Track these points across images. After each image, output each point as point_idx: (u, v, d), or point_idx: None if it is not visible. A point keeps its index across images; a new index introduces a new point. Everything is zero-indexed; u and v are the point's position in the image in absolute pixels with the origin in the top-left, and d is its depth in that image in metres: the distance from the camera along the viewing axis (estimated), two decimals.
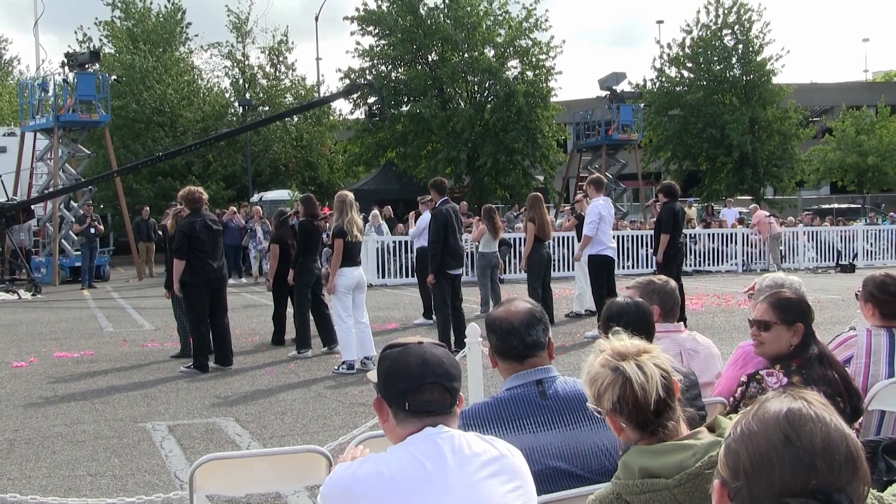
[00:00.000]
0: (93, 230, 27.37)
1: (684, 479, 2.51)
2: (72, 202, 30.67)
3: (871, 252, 31.68)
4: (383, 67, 43.26)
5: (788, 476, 1.73)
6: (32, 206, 28.18)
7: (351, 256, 12.23)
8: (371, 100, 39.33)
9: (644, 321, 4.37)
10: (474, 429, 3.60)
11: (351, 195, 12.62)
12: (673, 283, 5.41)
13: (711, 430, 2.70)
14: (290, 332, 14.30)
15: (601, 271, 15.02)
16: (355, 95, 40.36)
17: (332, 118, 46.85)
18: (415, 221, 18.85)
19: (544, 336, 3.78)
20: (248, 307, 20.06)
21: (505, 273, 25.16)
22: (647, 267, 25.55)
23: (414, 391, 2.87)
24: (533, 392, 3.70)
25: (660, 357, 2.73)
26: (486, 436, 2.95)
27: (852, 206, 47.35)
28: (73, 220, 29.19)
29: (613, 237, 16.15)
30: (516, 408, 3.68)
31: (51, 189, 29.72)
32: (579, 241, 16.77)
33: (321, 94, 47.71)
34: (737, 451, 1.80)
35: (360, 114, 43.64)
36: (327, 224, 14.25)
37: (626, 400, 2.65)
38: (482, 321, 11.86)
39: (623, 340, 2.77)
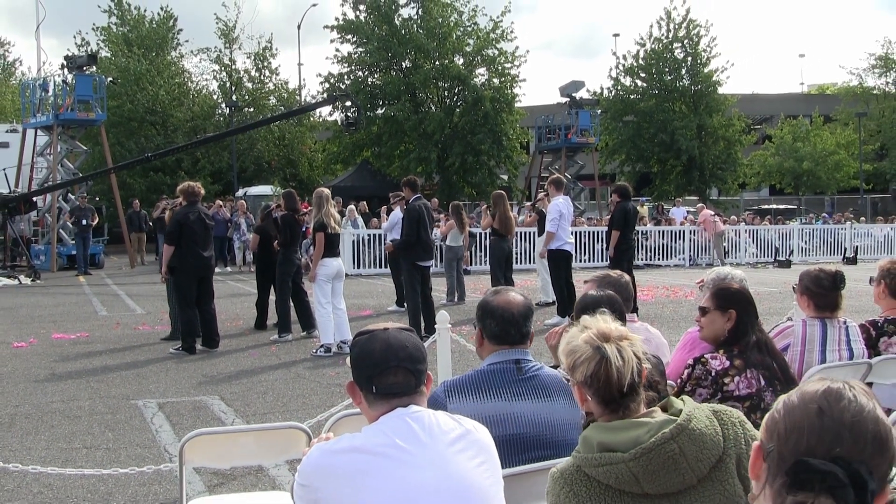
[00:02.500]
0: (84, 221, 27.16)
1: (639, 453, 2.54)
2: (69, 195, 30.46)
3: (806, 249, 31.96)
4: (360, 73, 43.25)
5: (815, 441, 1.77)
6: (34, 198, 28.01)
7: (330, 247, 12.24)
8: (347, 103, 39.19)
9: (615, 312, 4.41)
10: (456, 396, 3.71)
11: (327, 191, 12.65)
12: (626, 276, 5.44)
13: (664, 409, 2.73)
14: (272, 317, 14.28)
15: (561, 264, 15.09)
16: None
17: (312, 119, 46.68)
18: (387, 216, 18.80)
19: (531, 327, 3.93)
20: (233, 294, 19.97)
21: (471, 265, 25.24)
22: (602, 260, 25.64)
23: (379, 375, 2.86)
24: (511, 368, 3.80)
25: (637, 345, 2.75)
26: (454, 415, 2.95)
27: (789, 206, 47.72)
28: (68, 210, 29.06)
29: (572, 233, 16.21)
30: (495, 379, 3.76)
31: (50, 183, 29.56)
32: (540, 235, 16.83)
33: (302, 97, 47.73)
34: (776, 418, 1.85)
35: (337, 115, 43.65)
36: (306, 218, 14.25)
37: (599, 377, 2.67)
38: (450, 308, 11.95)
39: (608, 323, 2.78)
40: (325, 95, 43.24)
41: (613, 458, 2.58)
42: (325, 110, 46.18)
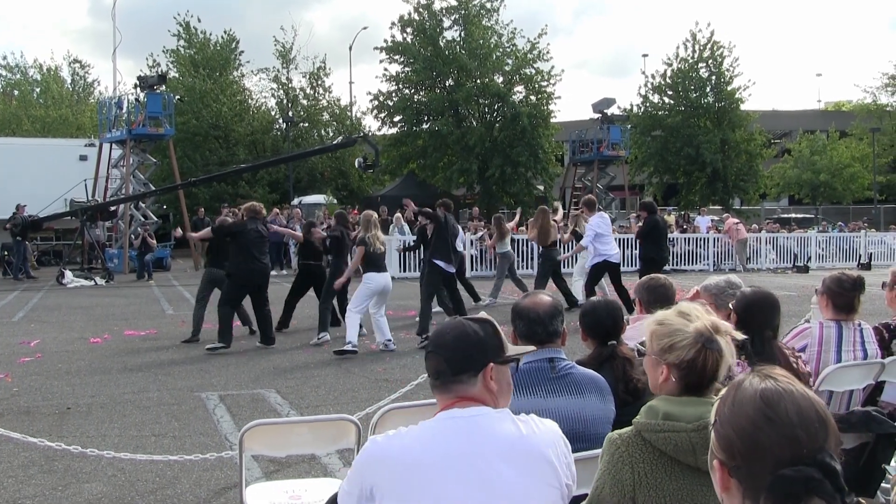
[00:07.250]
0: (144, 248, 27.32)
1: (703, 425, 2.53)
2: (140, 203, 30.83)
3: (823, 255, 31.64)
4: (407, 91, 43.36)
5: (778, 451, 1.71)
6: (111, 207, 28.36)
7: (377, 264, 12.20)
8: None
9: (613, 317, 4.41)
10: None
11: (375, 215, 12.61)
12: (668, 281, 5.48)
13: None
14: (308, 319, 14.23)
15: (599, 274, 15.25)
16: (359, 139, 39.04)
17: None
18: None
19: (560, 326, 3.86)
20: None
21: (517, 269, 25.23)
22: (632, 265, 25.51)
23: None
24: (545, 367, 3.76)
25: (731, 344, 2.72)
26: (519, 416, 2.73)
27: (807, 216, 47.23)
28: (133, 236, 29.30)
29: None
30: (530, 377, 3.73)
31: (122, 192, 29.92)
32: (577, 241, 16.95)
33: (353, 114, 47.97)
34: (726, 435, 1.78)
35: (387, 129, 43.82)
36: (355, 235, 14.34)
37: (697, 364, 2.65)
38: (489, 309, 11.90)
39: (712, 315, 2.73)
40: (374, 112, 43.50)
41: (677, 426, 2.59)
42: (374, 125, 46.40)
